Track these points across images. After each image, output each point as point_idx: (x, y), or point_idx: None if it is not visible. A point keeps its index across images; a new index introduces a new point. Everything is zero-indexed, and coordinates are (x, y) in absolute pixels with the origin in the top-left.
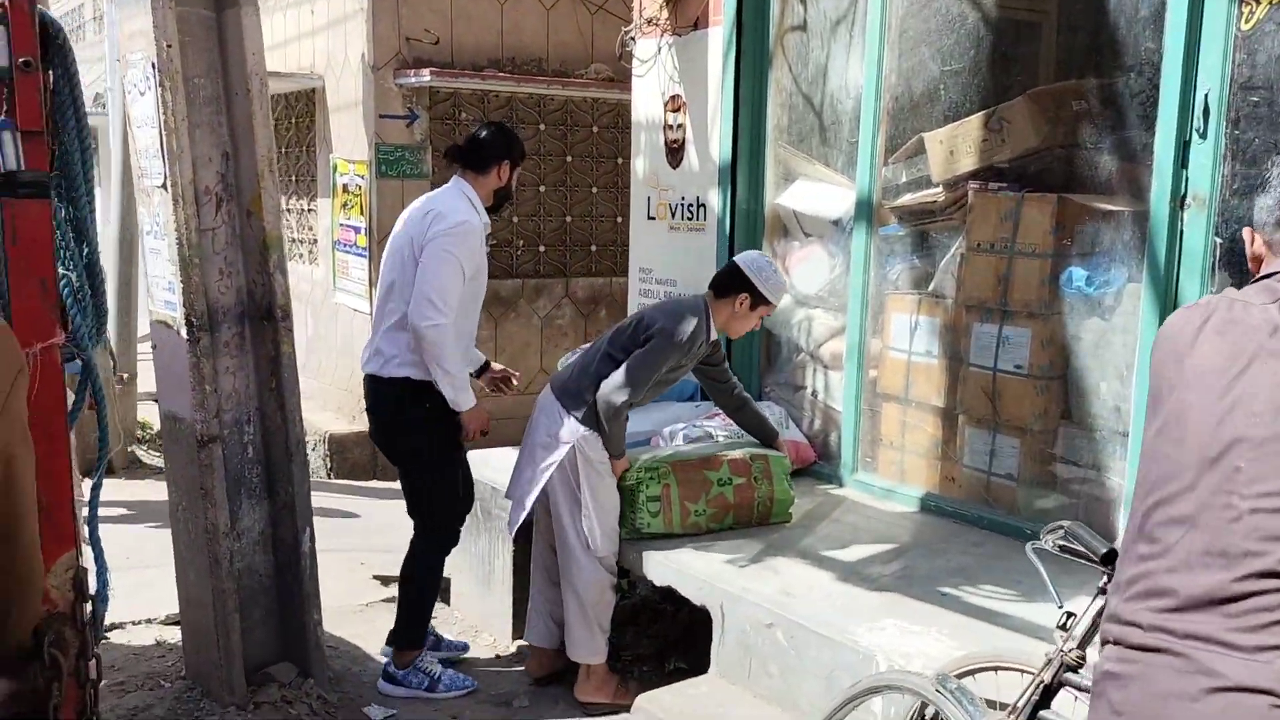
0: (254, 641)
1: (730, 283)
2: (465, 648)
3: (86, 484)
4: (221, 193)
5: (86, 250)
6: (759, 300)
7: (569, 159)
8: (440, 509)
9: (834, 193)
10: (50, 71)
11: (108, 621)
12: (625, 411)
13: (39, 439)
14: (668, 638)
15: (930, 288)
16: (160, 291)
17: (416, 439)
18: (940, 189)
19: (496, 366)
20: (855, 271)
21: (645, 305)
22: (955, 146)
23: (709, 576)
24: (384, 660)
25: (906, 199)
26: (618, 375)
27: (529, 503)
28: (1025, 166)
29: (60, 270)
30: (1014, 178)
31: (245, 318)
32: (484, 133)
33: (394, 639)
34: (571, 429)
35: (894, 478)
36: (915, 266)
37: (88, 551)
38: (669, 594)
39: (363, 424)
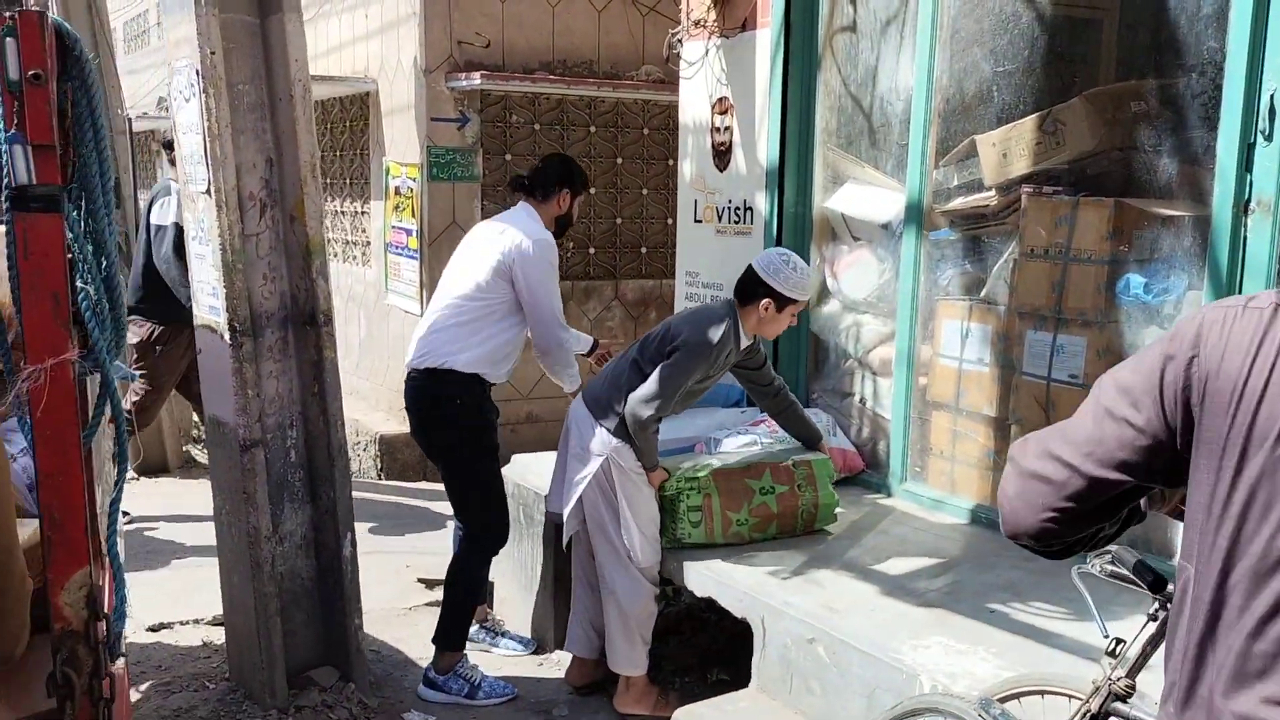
0: (296, 645)
1: (751, 288)
2: (531, 645)
3: (150, 483)
4: (265, 198)
5: (105, 263)
6: (784, 301)
7: (619, 161)
8: (477, 508)
9: (883, 196)
10: (68, 83)
11: (156, 621)
12: (653, 425)
13: (51, 454)
14: (710, 648)
15: (982, 294)
16: (205, 296)
17: (449, 434)
18: (993, 193)
19: (603, 342)
20: (905, 276)
21: (676, 312)
22: (1008, 149)
23: (750, 588)
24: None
25: (958, 203)
26: (644, 388)
27: (566, 514)
28: (1081, 170)
29: (79, 284)
30: (1069, 181)
31: (288, 322)
32: (547, 163)
33: (435, 640)
34: (603, 440)
35: (944, 488)
36: (967, 272)
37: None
38: (712, 603)
39: None
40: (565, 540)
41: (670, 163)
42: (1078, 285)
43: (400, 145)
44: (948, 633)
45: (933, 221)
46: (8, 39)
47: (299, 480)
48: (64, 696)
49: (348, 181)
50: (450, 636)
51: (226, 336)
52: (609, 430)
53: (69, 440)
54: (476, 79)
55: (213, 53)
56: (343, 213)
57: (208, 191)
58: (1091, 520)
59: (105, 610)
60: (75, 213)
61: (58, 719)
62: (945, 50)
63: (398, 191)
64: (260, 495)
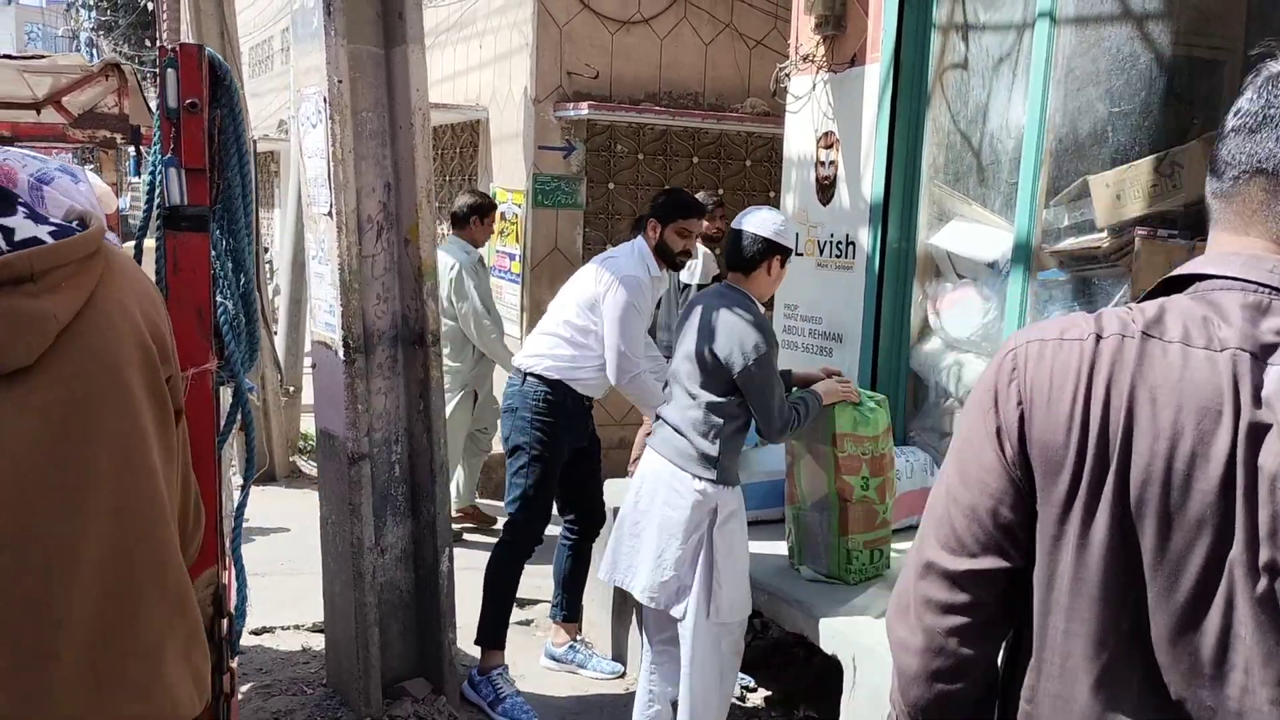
0: (391, 655)
1: (759, 253)
2: (619, 669)
3: (258, 490)
4: (382, 221)
5: (243, 280)
6: (787, 255)
7: (721, 192)
8: (520, 511)
9: (990, 234)
10: (217, 110)
11: (259, 624)
12: (793, 418)
13: (199, 460)
14: (798, 684)
15: None
16: (321, 313)
17: (521, 431)
18: (1105, 234)
19: None
20: (1010, 316)
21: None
22: (1122, 190)
23: (842, 626)
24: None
25: (1068, 243)
26: (765, 422)
27: (693, 580)
28: (1199, 214)
29: (218, 299)
30: (1186, 225)
31: (398, 341)
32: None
33: (477, 638)
34: (709, 492)
35: None
36: (1075, 313)
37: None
38: (801, 638)
39: None
40: (697, 609)
41: (772, 195)
42: None
43: (507, 172)
44: None
45: (1041, 261)
46: (169, 69)
47: (401, 495)
48: None
49: None
50: (484, 632)
51: (341, 353)
52: (711, 481)
53: (205, 446)
54: (584, 109)
55: (340, 81)
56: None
57: (329, 214)
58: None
59: (228, 608)
60: (218, 231)
61: None
62: (1059, 89)
63: (503, 216)
64: (365, 507)
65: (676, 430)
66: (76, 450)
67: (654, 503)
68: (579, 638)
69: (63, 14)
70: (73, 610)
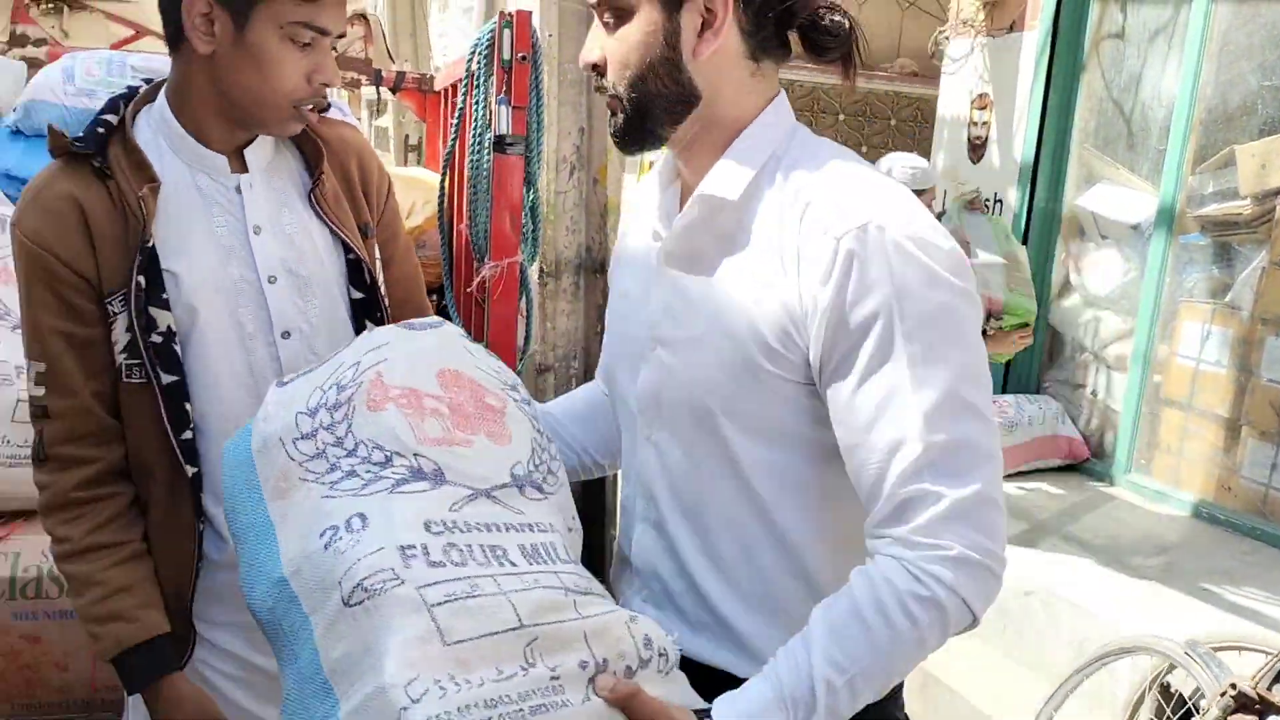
0: None
1: None
2: None
3: None
4: (575, 161)
5: (533, 195)
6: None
7: (864, 150)
8: None
9: (1136, 198)
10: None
11: None
12: None
13: (499, 329)
14: None
15: (1227, 299)
16: None
17: None
18: (1248, 202)
19: None
20: (1150, 276)
21: None
22: (1268, 161)
23: None
24: None
25: (1211, 209)
26: None
27: None
28: None
29: None
30: None
31: (581, 270)
32: None
33: None
34: None
35: (1168, 481)
36: (1213, 276)
37: None
38: None
39: None
40: None
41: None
42: None
43: None
44: (1160, 603)
45: (1183, 225)
46: (505, 30)
47: None
48: None
49: None
50: None
51: (535, 276)
52: None
53: (509, 317)
54: None
55: (550, 35)
56: None
57: None
58: None
59: None
60: None
61: None
62: (1213, 62)
63: (651, 164)
64: None
65: None
66: None
67: None
68: None
69: None
70: None
